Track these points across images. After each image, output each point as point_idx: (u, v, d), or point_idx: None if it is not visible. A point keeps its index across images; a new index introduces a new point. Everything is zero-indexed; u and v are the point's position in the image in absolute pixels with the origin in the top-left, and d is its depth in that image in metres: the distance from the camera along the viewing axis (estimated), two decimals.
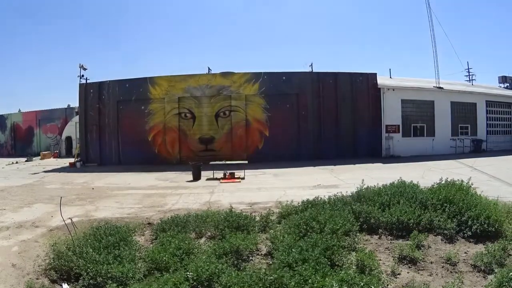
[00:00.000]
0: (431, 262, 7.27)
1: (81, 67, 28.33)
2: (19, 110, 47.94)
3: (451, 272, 6.93)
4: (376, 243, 8.29)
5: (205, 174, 18.80)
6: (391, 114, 26.47)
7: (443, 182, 10.74)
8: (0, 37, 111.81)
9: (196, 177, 18.24)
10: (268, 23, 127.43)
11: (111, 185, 17.26)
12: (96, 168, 25.21)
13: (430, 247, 7.87)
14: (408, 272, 6.94)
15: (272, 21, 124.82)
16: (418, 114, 27.48)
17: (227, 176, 17.84)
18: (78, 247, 7.90)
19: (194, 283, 6.40)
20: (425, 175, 15.95)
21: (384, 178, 12.75)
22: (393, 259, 7.44)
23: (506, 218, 8.61)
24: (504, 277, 5.94)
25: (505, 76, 38.45)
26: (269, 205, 11.34)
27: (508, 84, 37.90)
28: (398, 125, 26.66)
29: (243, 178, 17.82)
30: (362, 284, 5.80)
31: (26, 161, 32.77)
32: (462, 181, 10.60)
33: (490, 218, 8.22)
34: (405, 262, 7.29)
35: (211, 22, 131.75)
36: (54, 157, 36.78)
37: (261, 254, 8.03)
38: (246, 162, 20.78)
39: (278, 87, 26.50)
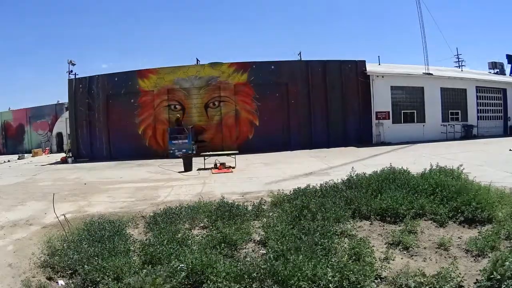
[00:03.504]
0: (425, 248, 7.29)
1: (70, 62, 28.25)
2: (9, 109, 47.51)
3: (445, 257, 6.93)
4: (369, 230, 8.31)
5: (196, 165, 18.75)
6: (381, 100, 26.63)
7: (434, 167, 10.83)
8: None
9: (187, 169, 18.17)
10: (257, 12, 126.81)
11: (103, 179, 17.16)
12: (88, 163, 25.00)
13: (423, 232, 7.90)
14: (402, 258, 6.95)
15: (261, 10, 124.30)
16: (408, 101, 27.67)
17: (218, 167, 17.82)
18: (72, 242, 7.86)
19: (188, 273, 6.41)
20: (416, 161, 16.04)
21: (375, 164, 12.81)
22: (386, 245, 7.44)
23: (498, 203, 8.63)
24: (497, 260, 5.95)
25: (495, 62, 38.75)
26: (261, 194, 11.31)
27: (498, 70, 38.18)
28: (388, 112, 26.85)
29: (234, 168, 17.85)
30: (355, 270, 5.83)
31: (18, 159, 32.55)
32: (452, 166, 10.71)
33: (481, 203, 8.25)
34: (399, 248, 7.30)
35: (202, 12, 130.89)
36: (45, 154, 36.53)
37: (254, 241, 8.03)
38: (237, 152, 20.80)
39: (267, 77, 26.52)
